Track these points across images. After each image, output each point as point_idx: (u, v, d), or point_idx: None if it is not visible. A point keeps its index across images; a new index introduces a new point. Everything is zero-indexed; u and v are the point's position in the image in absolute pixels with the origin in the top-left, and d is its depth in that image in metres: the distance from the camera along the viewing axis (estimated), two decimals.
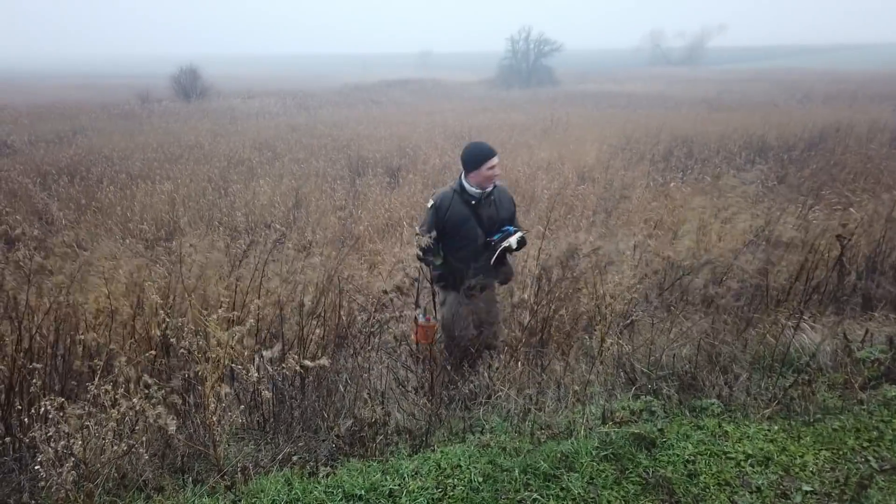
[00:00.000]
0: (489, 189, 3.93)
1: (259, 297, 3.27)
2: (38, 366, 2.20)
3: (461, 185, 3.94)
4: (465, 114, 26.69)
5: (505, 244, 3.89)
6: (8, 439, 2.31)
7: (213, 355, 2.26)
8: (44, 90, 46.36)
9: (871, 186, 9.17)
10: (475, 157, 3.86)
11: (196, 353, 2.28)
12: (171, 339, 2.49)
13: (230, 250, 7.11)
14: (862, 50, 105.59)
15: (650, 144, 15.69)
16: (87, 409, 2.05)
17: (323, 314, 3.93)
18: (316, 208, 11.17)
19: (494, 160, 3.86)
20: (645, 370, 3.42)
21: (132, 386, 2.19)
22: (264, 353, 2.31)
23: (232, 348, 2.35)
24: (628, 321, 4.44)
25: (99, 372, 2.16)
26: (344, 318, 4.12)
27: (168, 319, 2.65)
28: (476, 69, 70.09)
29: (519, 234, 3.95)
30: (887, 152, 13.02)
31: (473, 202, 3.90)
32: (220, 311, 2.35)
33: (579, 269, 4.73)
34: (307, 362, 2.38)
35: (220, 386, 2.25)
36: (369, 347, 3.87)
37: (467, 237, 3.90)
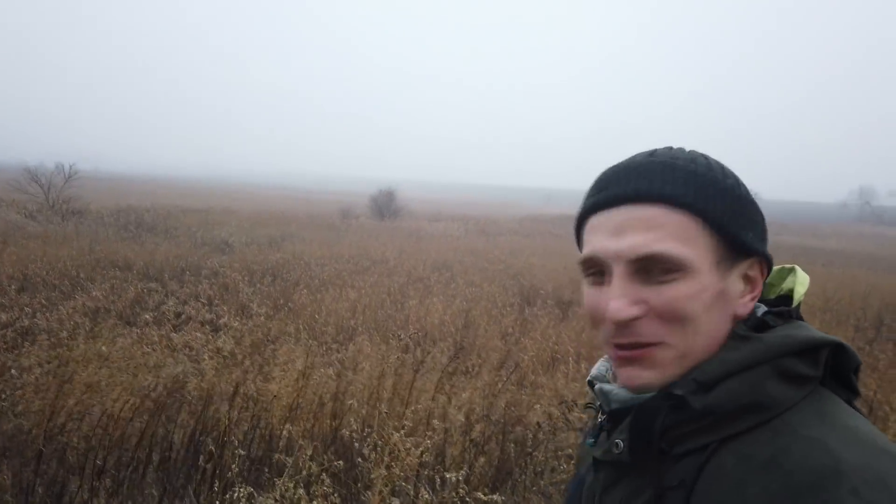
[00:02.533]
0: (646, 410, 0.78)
1: (435, 418, 3.31)
2: (242, 452, 2.39)
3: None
4: None
5: None
6: None
7: (387, 468, 2.31)
8: (265, 199, 53.61)
9: None
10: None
11: (374, 459, 2.34)
12: (354, 443, 2.59)
13: (403, 362, 7.37)
14: None
15: (856, 307, 14.11)
16: (268, 501, 2.17)
17: (482, 443, 3.87)
18: (484, 332, 11.33)
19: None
20: None
21: (314, 486, 2.29)
22: (447, 475, 2.30)
23: (409, 465, 2.38)
24: None
25: (287, 469, 2.30)
26: (511, 449, 3.91)
27: (349, 423, 2.77)
28: None
29: None
30: None
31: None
32: (405, 423, 2.41)
33: None
34: (480, 495, 2.32)
35: (389, 500, 2.27)
36: (533, 487, 3.67)
37: None
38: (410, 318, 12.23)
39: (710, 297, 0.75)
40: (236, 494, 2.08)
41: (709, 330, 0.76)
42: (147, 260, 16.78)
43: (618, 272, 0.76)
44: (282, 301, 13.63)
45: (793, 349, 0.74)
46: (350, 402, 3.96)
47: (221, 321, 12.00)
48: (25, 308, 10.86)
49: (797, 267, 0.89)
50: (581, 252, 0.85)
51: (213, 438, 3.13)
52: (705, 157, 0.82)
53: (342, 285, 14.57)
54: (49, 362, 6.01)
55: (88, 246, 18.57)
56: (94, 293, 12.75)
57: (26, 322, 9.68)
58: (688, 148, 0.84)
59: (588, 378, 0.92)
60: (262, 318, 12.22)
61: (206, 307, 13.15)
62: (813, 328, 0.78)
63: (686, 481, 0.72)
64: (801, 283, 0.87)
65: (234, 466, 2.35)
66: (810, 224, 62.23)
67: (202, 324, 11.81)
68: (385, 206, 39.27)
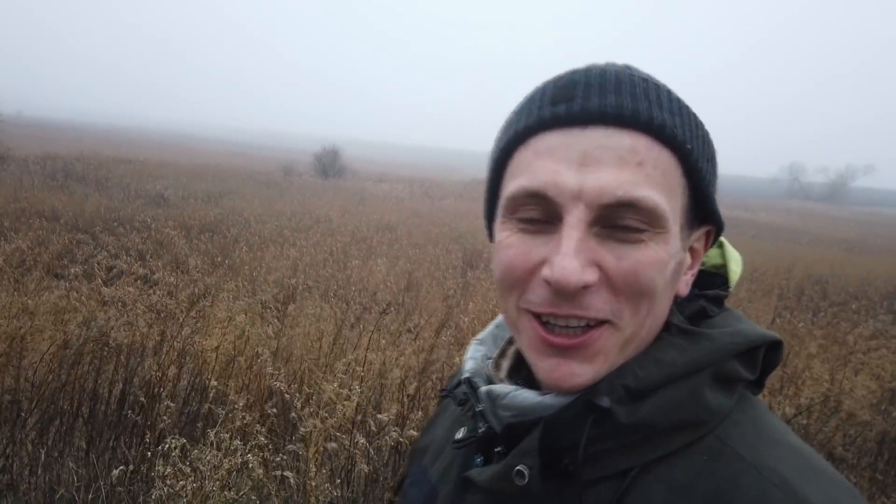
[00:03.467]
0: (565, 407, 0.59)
1: (362, 367, 3.35)
2: (173, 405, 2.36)
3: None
4: None
5: None
6: (132, 467, 2.46)
7: (322, 420, 2.33)
8: (204, 153, 51.79)
9: None
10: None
11: (308, 412, 2.35)
12: (286, 395, 2.59)
13: (340, 320, 7.37)
14: None
15: (779, 279, 14.87)
16: (204, 453, 2.16)
17: (418, 398, 3.94)
18: (427, 293, 11.42)
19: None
20: None
21: (248, 438, 2.29)
22: (380, 416, 2.34)
23: (346, 416, 2.41)
24: None
25: (220, 420, 2.29)
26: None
27: (281, 372, 2.77)
28: None
29: None
30: None
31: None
32: (339, 376, 2.43)
33: None
34: (412, 432, 2.38)
35: (325, 445, 2.30)
36: None
37: None
38: (352, 278, 12.19)
39: (673, 269, 0.57)
40: (168, 446, 2.06)
41: (661, 311, 0.58)
42: (76, 211, 16.05)
43: (574, 219, 0.54)
44: (220, 258, 13.32)
45: (740, 349, 0.59)
46: (287, 358, 3.95)
47: (156, 276, 11.67)
48: None
49: (725, 241, 0.70)
50: (504, 187, 0.60)
51: (144, 391, 3.07)
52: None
53: (283, 243, 14.35)
54: None
55: (12, 193, 17.58)
56: (17, 243, 12.13)
57: None
58: None
59: (465, 376, 0.68)
60: (200, 273, 11.95)
61: (140, 262, 12.73)
62: (747, 319, 0.65)
63: None
64: (734, 260, 0.69)
65: (165, 418, 2.32)
66: (740, 197, 64.76)
67: (136, 279, 11.45)
68: (329, 164, 38.60)
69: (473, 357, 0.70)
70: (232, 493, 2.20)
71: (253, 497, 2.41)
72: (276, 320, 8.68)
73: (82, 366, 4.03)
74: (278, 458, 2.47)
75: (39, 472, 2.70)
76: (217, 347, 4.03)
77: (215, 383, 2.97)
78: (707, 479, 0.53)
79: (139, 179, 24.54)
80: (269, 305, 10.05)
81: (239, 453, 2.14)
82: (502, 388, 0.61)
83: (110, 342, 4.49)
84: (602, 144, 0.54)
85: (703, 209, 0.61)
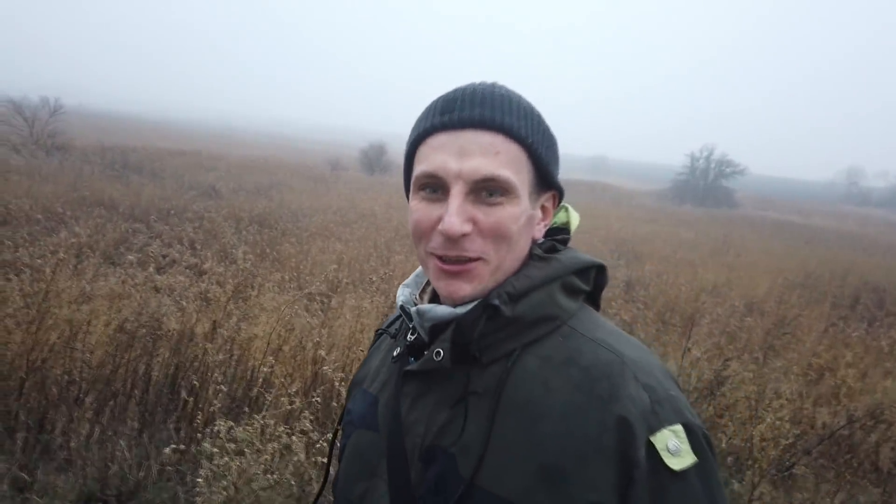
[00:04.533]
0: (468, 313, 0.87)
1: None
2: (224, 388, 2.45)
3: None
4: (630, 221, 26.31)
5: None
6: (182, 447, 2.57)
7: None
8: (253, 146, 52.89)
9: None
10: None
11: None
12: (334, 382, 2.65)
13: (383, 315, 7.46)
14: None
15: (834, 286, 14.37)
16: (250, 436, 2.24)
17: None
18: None
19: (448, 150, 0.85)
20: None
21: (294, 423, 2.35)
22: None
23: None
24: (786, 471, 3.99)
25: (267, 405, 2.36)
26: None
27: (326, 361, 2.83)
28: (648, 179, 69.24)
29: None
30: None
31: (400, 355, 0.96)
32: None
33: (726, 399, 4.39)
34: None
35: None
36: None
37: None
38: (396, 273, 12.30)
39: (525, 220, 0.86)
40: (216, 428, 2.14)
41: (519, 249, 0.87)
42: (133, 200, 16.60)
43: (456, 191, 0.82)
44: (267, 250, 13.63)
45: (577, 268, 0.89)
46: (329, 348, 4.03)
47: (206, 265, 12.01)
48: (6, 241, 10.78)
49: (568, 205, 1.01)
50: (414, 170, 0.89)
51: (197, 375, 3.19)
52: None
53: (328, 237, 14.56)
54: (31, 297, 6.00)
55: (73, 183, 18.30)
56: (77, 230, 12.64)
57: (7, 256, 9.62)
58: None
59: (399, 304, 0.96)
60: (248, 265, 12.24)
61: (191, 251, 13.12)
62: (582, 252, 0.94)
63: (494, 386, 0.83)
64: (574, 218, 0.99)
65: (216, 402, 2.41)
66: (795, 202, 62.68)
67: (186, 267, 11.82)
68: (375, 160, 38.93)
69: (403, 294, 0.97)
70: (275, 476, 2.28)
71: (293, 482, 2.49)
72: (320, 312, 8.85)
73: (135, 350, 4.21)
74: (318, 445, 2.54)
75: (95, 449, 2.83)
76: (264, 336, 4.14)
77: (265, 369, 3.06)
78: (562, 350, 0.83)
79: (192, 171, 25.25)
80: (314, 298, 10.25)
81: (283, 438, 2.21)
82: (426, 306, 0.89)
83: (162, 328, 4.66)
84: (472, 141, 0.83)
85: (546, 181, 0.90)
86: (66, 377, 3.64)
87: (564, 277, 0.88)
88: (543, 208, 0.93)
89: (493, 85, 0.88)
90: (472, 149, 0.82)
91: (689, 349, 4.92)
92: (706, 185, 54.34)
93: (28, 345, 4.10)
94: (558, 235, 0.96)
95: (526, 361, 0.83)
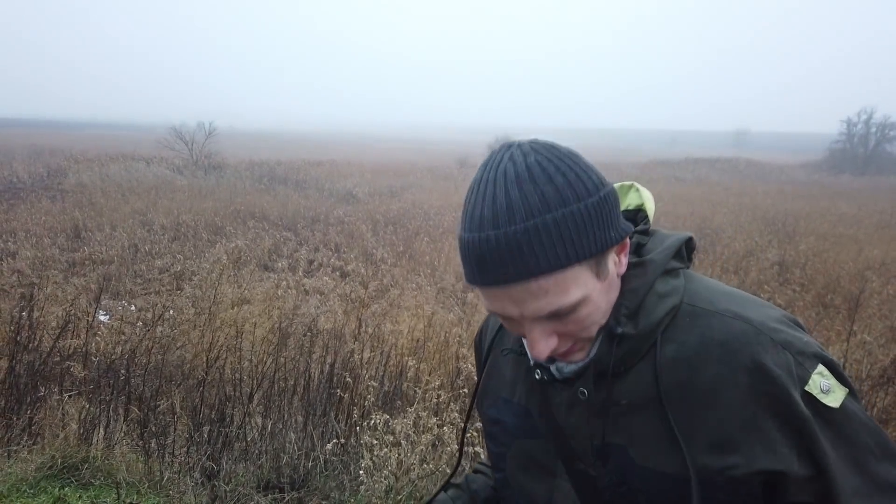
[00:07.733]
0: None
1: None
2: (374, 384, 2.60)
3: None
4: (780, 198, 24.36)
5: None
6: (344, 440, 2.77)
7: None
8: (384, 151, 55.00)
9: None
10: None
11: None
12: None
13: None
14: None
15: None
16: (405, 428, 2.36)
17: None
18: None
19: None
20: None
21: (443, 414, 2.45)
22: None
23: None
24: None
25: (418, 398, 2.48)
26: None
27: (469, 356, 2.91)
28: (798, 150, 63.69)
29: None
30: None
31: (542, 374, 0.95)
32: None
33: None
34: None
35: None
36: None
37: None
38: None
39: (599, 294, 0.83)
40: (373, 421, 2.28)
41: (607, 302, 0.85)
42: (280, 210, 17.90)
43: (529, 325, 0.83)
44: (402, 248, 14.15)
45: (671, 255, 0.90)
46: (471, 345, 4.11)
47: (349, 267, 12.72)
48: (177, 255, 12.08)
49: (636, 184, 0.98)
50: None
51: (349, 371, 3.41)
52: (564, 173, 0.78)
53: None
54: (201, 303, 6.68)
55: (229, 197, 20.03)
56: (236, 241, 13.86)
57: (178, 267, 10.78)
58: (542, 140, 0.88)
59: (532, 363, 0.95)
60: (388, 265, 12.81)
61: (335, 254, 13.93)
62: (664, 230, 0.95)
63: (649, 385, 0.86)
64: (648, 199, 0.97)
65: (370, 397, 2.57)
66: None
67: (332, 270, 12.58)
68: None
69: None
70: (430, 465, 2.38)
71: (448, 471, 2.58)
72: (457, 307, 9.06)
73: (293, 348, 4.55)
74: (468, 435, 2.61)
75: (268, 440, 3.11)
76: (408, 332, 4.32)
77: (413, 363, 3.21)
78: (694, 331, 0.85)
79: (331, 179, 26.75)
80: (450, 294, 10.51)
81: (434, 429, 2.31)
82: (555, 365, 0.92)
83: (314, 327, 5.00)
84: (521, 292, 0.79)
85: (607, 247, 0.82)
86: (236, 375, 4.03)
87: (664, 269, 0.89)
88: (617, 252, 0.86)
89: (511, 204, 0.76)
90: (523, 297, 0.79)
91: (854, 332, 4.48)
92: (867, 152, 49.07)
93: (204, 344, 4.58)
94: (636, 225, 0.94)
95: (665, 351, 0.86)
